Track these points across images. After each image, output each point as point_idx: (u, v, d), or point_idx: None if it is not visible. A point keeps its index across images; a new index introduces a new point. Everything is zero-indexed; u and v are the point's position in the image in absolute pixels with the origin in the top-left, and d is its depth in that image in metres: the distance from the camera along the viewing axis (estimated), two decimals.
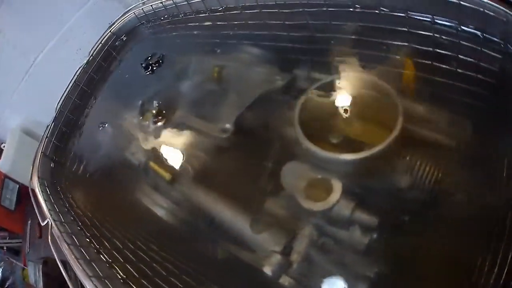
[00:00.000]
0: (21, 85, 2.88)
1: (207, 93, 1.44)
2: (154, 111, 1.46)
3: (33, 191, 1.52)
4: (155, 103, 1.48)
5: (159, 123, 1.44)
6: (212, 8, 1.58)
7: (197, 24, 1.64)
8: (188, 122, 1.38)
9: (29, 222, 2.67)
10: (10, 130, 2.91)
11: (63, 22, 2.68)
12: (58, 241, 1.20)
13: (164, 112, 1.45)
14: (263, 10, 1.43)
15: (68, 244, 1.14)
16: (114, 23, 1.81)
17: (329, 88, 1.13)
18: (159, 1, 1.70)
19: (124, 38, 1.83)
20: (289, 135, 1.10)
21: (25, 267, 2.65)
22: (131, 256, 1.11)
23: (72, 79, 1.72)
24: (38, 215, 1.36)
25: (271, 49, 1.40)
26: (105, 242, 1.20)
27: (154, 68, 1.64)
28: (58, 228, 1.22)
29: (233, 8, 1.53)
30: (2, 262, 2.97)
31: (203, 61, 1.55)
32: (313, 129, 1.03)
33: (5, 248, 2.80)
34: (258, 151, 1.20)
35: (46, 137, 1.66)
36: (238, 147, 1.26)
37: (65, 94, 1.71)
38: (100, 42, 1.78)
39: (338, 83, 1.13)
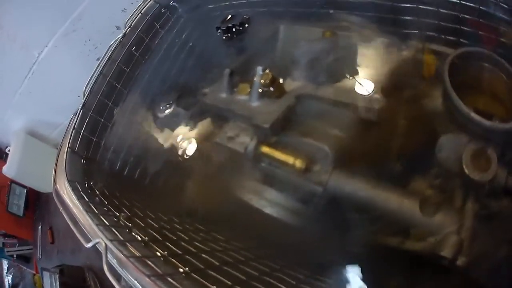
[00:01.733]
0: (24, 83, 2.45)
1: (324, 58, 1.01)
2: (262, 80, 1.02)
3: (60, 199, 1.02)
4: (260, 70, 1.02)
5: (270, 95, 1.01)
6: None
7: None
8: (317, 93, 0.98)
9: (40, 227, 2.52)
10: (14, 132, 2.55)
11: (70, 11, 2.22)
12: (121, 268, 0.72)
13: (276, 80, 1.01)
14: None
15: (148, 276, 0.66)
16: None
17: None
18: None
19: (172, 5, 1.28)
20: (438, 105, 0.88)
21: (36, 273, 2.47)
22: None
23: (106, 54, 1.17)
24: (77, 235, 0.87)
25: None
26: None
27: (238, 30, 1.18)
28: (119, 250, 0.72)
29: None
30: (12, 269, 2.75)
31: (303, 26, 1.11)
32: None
33: (15, 256, 2.58)
34: (407, 124, 0.90)
35: (73, 128, 1.15)
36: (387, 120, 0.92)
37: (95, 75, 1.16)
38: (140, 12, 1.24)
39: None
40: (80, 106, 1.17)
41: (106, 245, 0.73)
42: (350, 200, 0.86)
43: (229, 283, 0.68)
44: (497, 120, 0.78)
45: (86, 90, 1.19)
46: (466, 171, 0.78)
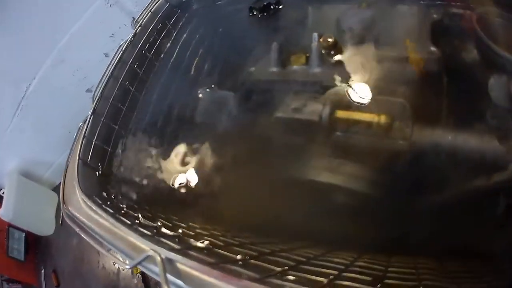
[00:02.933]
0: (13, 121, 2.19)
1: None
2: (324, 43, 0.93)
3: (77, 220, 0.79)
4: (316, 36, 0.94)
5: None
6: None
7: None
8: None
9: (43, 271, 2.26)
10: (7, 173, 2.28)
11: (57, 40, 1.99)
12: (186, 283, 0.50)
13: (338, 43, 0.92)
14: None
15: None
16: None
17: None
18: None
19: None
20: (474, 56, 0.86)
21: None
22: None
23: (115, 55, 0.96)
24: (111, 255, 0.64)
25: None
26: None
27: (275, 8, 1.07)
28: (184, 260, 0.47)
29: None
30: None
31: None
32: None
33: None
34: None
35: (84, 137, 0.92)
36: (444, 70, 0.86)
37: (105, 78, 0.94)
38: (150, 11, 1.05)
39: None
40: (90, 111, 0.93)
41: (162, 257, 0.48)
42: (434, 150, 0.78)
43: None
44: None
45: (97, 93, 0.95)
46: None
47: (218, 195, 0.83)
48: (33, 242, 2.29)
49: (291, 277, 0.47)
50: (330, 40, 0.92)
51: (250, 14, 1.09)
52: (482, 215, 0.69)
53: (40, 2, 1.81)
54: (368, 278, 0.50)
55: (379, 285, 0.49)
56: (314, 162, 0.83)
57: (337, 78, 0.87)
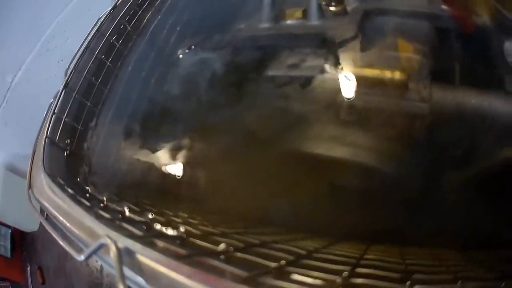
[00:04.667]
0: None
1: None
2: None
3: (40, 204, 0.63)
4: None
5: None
6: None
7: None
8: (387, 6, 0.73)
9: (29, 268, 2.12)
10: None
11: (43, 29, 1.85)
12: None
13: None
14: None
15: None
16: None
17: None
18: None
19: None
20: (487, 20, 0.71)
21: None
22: None
23: (93, 29, 0.86)
24: (67, 247, 0.46)
25: None
26: None
27: None
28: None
29: None
30: None
31: None
32: None
33: None
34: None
35: (53, 113, 0.78)
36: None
37: (81, 51, 0.78)
38: None
39: None
40: (62, 86, 0.76)
41: (117, 246, 0.31)
42: (457, 114, 0.62)
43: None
44: None
45: (70, 67, 0.78)
46: None
47: (200, 174, 0.65)
48: (19, 238, 2.14)
49: (292, 276, 0.30)
50: None
51: None
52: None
53: None
54: (394, 275, 0.33)
55: (408, 282, 0.32)
56: (315, 130, 0.65)
57: (342, 31, 0.71)
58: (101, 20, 0.87)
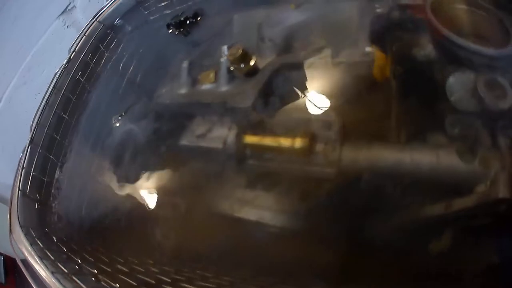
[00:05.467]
0: None
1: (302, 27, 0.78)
2: (231, 56, 0.76)
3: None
4: (226, 49, 0.80)
5: (241, 74, 0.76)
6: None
7: None
8: (299, 59, 0.73)
9: None
10: None
11: (19, 62, 1.86)
12: None
13: (248, 55, 0.76)
14: None
15: None
16: (99, 12, 1.01)
17: None
18: None
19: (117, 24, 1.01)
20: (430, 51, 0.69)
21: None
22: None
23: (51, 83, 0.90)
24: None
25: None
26: None
27: (192, 23, 0.95)
28: None
29: None
30: None
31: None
32: None
33: None
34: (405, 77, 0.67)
35: (22, 167, 0.88)
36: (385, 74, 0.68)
37: (41, 107, 0.88)
38: (84, 34, 0.98)
39: None
40: (28, 141, 0.87)
41: None
42: (372, 174, 0.60)
43: None
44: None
45: (33, 123, 0.89)
46: (486, 100, 0.59)
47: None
48: (11, 265, 2.15)
49: None
50: (236, 50, 0.76)
51: (169, 31, 0.98)
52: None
53: (8, 21, 1.74)
54: None
55: None
56: (227, 193, 0.70)
57: (247, 96, 0.73)
58: (57, 75, 0.96)
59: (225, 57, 0.78)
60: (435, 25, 0.65)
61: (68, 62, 0.97)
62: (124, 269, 0.60)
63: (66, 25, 1.77)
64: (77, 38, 1.01)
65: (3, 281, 2.10)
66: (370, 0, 0.76)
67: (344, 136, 0.64)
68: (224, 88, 0.79)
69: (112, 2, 1.03)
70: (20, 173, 0.86)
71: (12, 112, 1.91)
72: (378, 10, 0.74)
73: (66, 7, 1.75)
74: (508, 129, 0.57)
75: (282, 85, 0.73)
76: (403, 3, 0.74)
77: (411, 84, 0.65)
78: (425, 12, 0.66)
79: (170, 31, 0.97)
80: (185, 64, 0.85)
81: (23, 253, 0.70)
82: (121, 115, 0.86)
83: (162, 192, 0.74)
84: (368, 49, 0.69)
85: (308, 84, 0.72)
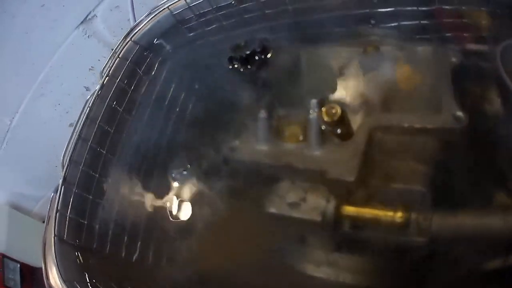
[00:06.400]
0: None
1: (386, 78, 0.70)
2: (327, 118, 0.66)
3: None
4: (315, 103, 0.71)
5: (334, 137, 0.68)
6: None
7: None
8: (394, 122, 0.68)
9: None
10: None
11: (36, 74, 1.80)
12: None
13: (345, 117, 0.68)
14: None
15: None
16: (133, 29, 0.90)
17: None
18: None
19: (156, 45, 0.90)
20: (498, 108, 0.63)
21: None
22: None
23: (82, 112, 0.79)
24: None
25: None
26: None
27: (261, 59, 0.81)
28: None
29: None
30: None
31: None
32: None
33: None
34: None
35: (57, 211, 0.78)
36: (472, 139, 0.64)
37: (73, 140, 0.77)
38: (118, 56, 0.86)
39: None
40: (61, 181, 0.77)
41: None
42: (454, 240, 0.60)
43: None
44: None
45: (64, 159, 0.79)
46: None
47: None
48: (28, 272, 2.14)
49: None
50: (334, 112, 0.66)
51: (230, 67, 0.84)
52: None
53: (18, 34, 1.65)
54: None
55: None
56: (315, 257, 0.66)
57: (349, 167, 0.66)
58: (90, 103, 0.86)
59: (315, 114, 0.70)
60: (504, 78, 0.59)
61: (101, 88, 0.85)
62: None
63: (87, 35, 1.70)
64: (109, 59, 0.89)
65: None
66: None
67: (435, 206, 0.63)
68: (317, 152, 0.70)
69: (147, 20, 0.92)
70: (54, 216, 0.75)
71: (29, 123, 1.89)
72: (453, 60, 0.68)
73: (86, 17, 1.67)
74: None
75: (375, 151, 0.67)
76: (472, 48, 0.69)
77: (482, 145, 0.63)
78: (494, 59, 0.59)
79: (232, 66, 0.83)
80: (262, 115, 0.76)
81: None
82: (185, 169, 0.74)
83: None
84: (459, 113, 0.63)
85: (397, 152, 0.68)
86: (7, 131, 1.99)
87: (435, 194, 0.63)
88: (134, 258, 0.76)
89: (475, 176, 0.62)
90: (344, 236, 0.66)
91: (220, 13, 0.86)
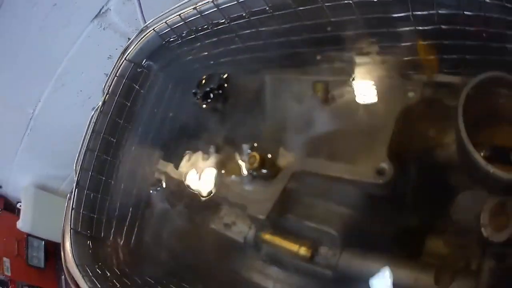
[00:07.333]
0: (24, 140, 2.22)
1: (318, 122, 0.80)
2: (250, 164, 0.82)
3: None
4: (247, 149, 0.84)
5: (264, 176, 0.81)
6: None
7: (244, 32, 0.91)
8: (315, 170, 0.77)
9: (63, 277, 2.15)
10: (23, 187, 2.32)
11: (55, 65, 1.95)
12: None
13: (265, 161, 0.81)
14: None
15: None
16: (126, 49, 1.06)
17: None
18: (177, 13, 0.96)
19: (146, 64, 1.07)
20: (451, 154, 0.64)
21: None
22: None
23: (89, 127, 0.97)
24: None
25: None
26: None
27: (217, 95, 0.94)
28: None
29: None
30: None
31: (291, 79, 0.87)
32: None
33: None
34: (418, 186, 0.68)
35: (72, 209, 0.97)
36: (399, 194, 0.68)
37: (83, 149, 0.96)
38: (115, 75, 1.03)
39: None
40: (74, 184, 0.97)
41: None
42: (362, 279, 0.69)
43: None
44: None
45: (77, 167, 0.99)
46: (484, 233, 0.59)
47: None
48: (53, 249, 2.26)
49: None
50: (253, 160, 0.81)
51: (196, 100, 0.99)
52: None
53: (32, 32, 1.79)
54: None
55: None
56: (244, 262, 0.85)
57: (263, 207, 0.79)
58: (94, 118, 1.04)
59: (246, 158, 0.83)
60: (462, 132, 0.56)
61: (103, 104, 1.04)
62: None
63: (102, 27, 1.81)
64: (108, 78, 1.06)
65: (42, 266, 2.23)
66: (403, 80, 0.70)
67: (344, 246, 0.72)
68: (247, 187, 0.85)
69: (138, 40, 1.08)
70: (70, 212, 0.95)
71: (52, 110, 2.08)
72: (410, 95, 0.69)
73: (100, 11, 1.77)
74: (500, 256, 0.58)
75: (296, 192, 0.79)
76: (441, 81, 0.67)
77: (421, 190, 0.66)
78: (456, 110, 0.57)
79: (197, 99, 0.98)
80: (212, 151, 0.91)
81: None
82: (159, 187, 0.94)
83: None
84: (383, 165, 0.66)
85: (317, 195, 0.79)
86: (31, 119, 2.17)
87: (347, 236, 0.72)
88: (131, 244, 0.97)
89: (389, 225, 0.69)
90: (265, 254, 0.82)
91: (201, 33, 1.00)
